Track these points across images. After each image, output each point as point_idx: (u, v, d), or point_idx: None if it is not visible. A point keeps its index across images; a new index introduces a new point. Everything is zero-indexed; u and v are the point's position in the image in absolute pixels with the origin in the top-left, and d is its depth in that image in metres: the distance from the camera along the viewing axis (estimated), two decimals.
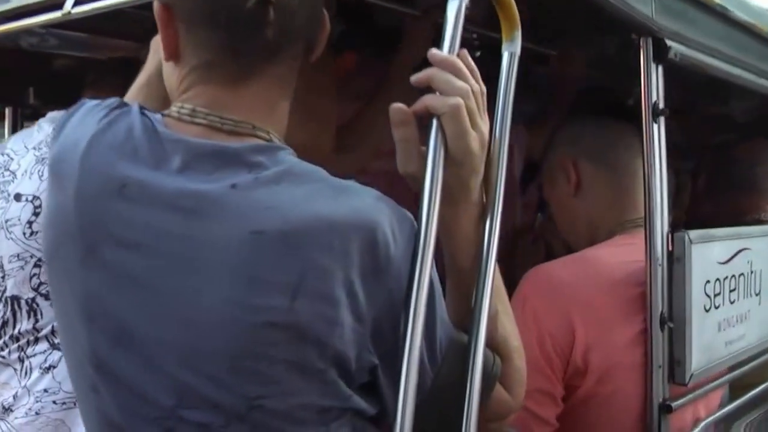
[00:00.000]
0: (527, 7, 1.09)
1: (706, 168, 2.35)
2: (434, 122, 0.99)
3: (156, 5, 1.03)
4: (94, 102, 1.06)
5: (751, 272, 1.73)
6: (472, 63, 1.03)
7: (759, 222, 2.19)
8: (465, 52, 1.03)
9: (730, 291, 1.64)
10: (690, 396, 1.50)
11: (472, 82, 1.01)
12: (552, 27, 1.79)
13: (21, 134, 1.97)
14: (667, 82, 1.47)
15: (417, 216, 0.98)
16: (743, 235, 1.70)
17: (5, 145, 1.93)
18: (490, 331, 1.05)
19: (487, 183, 1.07)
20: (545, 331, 1.46)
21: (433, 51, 1.00)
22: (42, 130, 1.87)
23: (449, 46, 1.00)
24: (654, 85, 1.43)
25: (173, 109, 1.03)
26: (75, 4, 1.45)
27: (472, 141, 0.99)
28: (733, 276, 1.65)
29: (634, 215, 1.56)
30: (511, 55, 1.09)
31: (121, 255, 0.96)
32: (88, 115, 1.04)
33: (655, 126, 1.44)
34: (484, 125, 1.02)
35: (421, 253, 0.97)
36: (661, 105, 1.44)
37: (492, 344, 1.07)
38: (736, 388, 1.85)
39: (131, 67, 1.30)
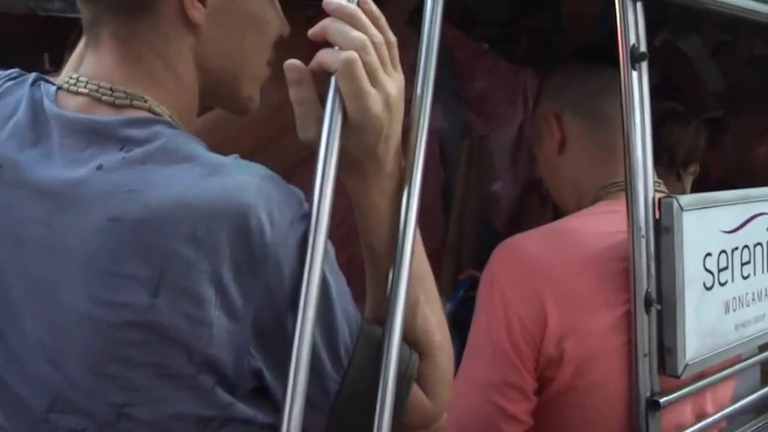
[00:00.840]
0: None
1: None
2: (331, 81, 0.84)
3: None
4: None
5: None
6: (376, 10, 0.87)
7: None
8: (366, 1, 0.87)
9: (743, 264, 1.40)
10: (686, 390, 1.28)
11: (373, 32, 0.85)
12: None
13: None
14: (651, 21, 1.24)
15: None
16: (761, 197, 1.46)
17: None
18: (408, 323, 0.89)
19: (406, 150, 0.91)
20: (514, 315, 1.26)
21: (329, 0, 0.85)
22: None
23: None
24: (632, 26, 1.21)
25: (65, 78, 0.91)
26: None
27: (371, 102, 0.84)
28: (746, 247, 1.41)
29: (620, 178, 1.33)
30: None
31: None
32: None
33: (635, 73, 1.21)
34: (391, 82, 0.86)
35: (313, 237, 0.82)
36: (642, 48, 1.22)
37: (410, 339, 0.91)
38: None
39: None
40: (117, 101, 0.86)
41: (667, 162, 1.60)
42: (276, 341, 0.81)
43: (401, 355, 0.88)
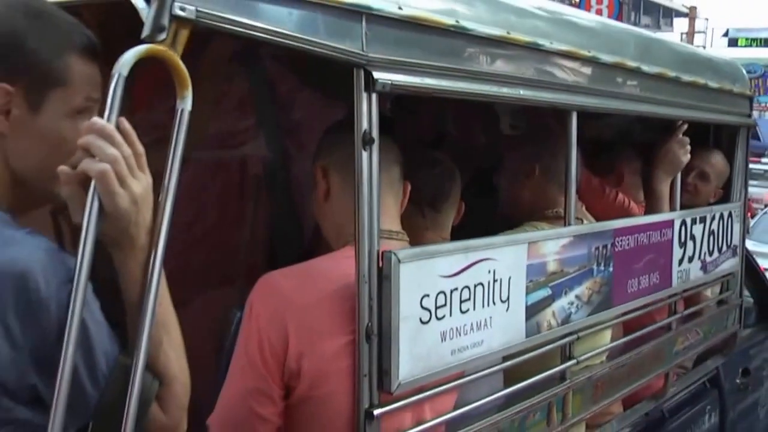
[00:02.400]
0: None
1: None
2: (92, 182, 1.13)
3: None
4: None
5: (494, 281, 1.83)
6: (129, 128, 1.16)
7: (557, 216, 2.29)
8: (123, 119, 1.16)
9: (462, 301, 1.74)
10: (399, 404, 1.62)
11: (124, 148, 1.14)
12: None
13: None
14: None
15: None
16: (479, 246, 1.80)
17: None
18: (152, 358, 1.19)
19: (153, 230, 1.20)
20: (264, 336, 1.58)
21: (93, 120, 1.15)
22: None
23: (109, 114, 1.14)
24: (365, 114, 1.52)
25: None
26: None
27: (120, 199, 1.14)
28: (467, 287, 1.75)
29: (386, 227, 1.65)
30: (182, 111, 1.20)
31: None
32: None
33: (365, 154, 1.52)
34: (138, 183, 1.16)
35: (75, 292, 1.11)
36: (374, 132, 1.53)
37: (154, 370, 1.21)
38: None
39: None
40: None
41: (413, 200, 1.90)
42: (48, 365, 1.11)
43: (144, 380, 1.18)
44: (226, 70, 2.32)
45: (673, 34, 28.98)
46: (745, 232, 3.47)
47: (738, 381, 3.67)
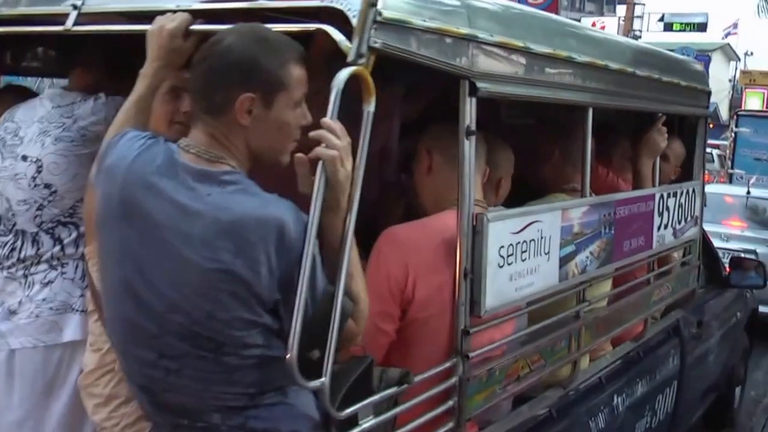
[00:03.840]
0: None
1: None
2: (320, 164, 1.68)
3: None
4: (135, 132, 1.80)
5: (541, 238, 2.44)
6: (341, 126, 1.71)
7: (573, 189, 2.90)
8: (337, 121, 1.70)
9: (522, 252, 2.34)
10: (484, 325, 2.21)
11: (344, 139, 1.70)
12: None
13: (25, 107, 2.52)
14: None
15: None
16: (534, 211, 2.41)
17: (14, 114, 2.48)
18: (347, 286, 1.73)
19: (349, 199, 1.74)
20: (390, 272, 2.16)
21: (324, 120, 1.69)
22: (43, 106, 2.46)
23: (332, 115, 1.68)
24: (468, 113, 2.09)
25: (181, 143, 1.75)
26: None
27: (340, 176, 1.69)
28: (524, 241, 2.35)
29: None
30: (368, 114, 1.74)
31: (142, 224, 1.68)
32: (132, 140, 1.76)
33: (467, 142, 2.09)
34: (348, 165, 1.71)
35: (309, 240, 1.66)
36: (473, 127, 2.10)
37: (349, 295, 1.75)
38: (533, 321, 2.58)
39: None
40: (210, 159, 1.68)
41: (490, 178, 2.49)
42: (288, 287, 1.65)
43: (343, 303, 1.72)
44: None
45: (615, 19, 30.06)
46: (703, 205, 4.15)
47: (694, 331, 4.36)
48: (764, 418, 5.83)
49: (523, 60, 2.32)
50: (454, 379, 2.15)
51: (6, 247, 2.45)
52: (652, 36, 28.53)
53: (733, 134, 13.16)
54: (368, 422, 1.84)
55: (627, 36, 19.33)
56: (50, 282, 2.42)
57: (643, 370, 3.61)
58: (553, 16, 2.58)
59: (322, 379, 1.66)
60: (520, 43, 2.28)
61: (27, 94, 2.83)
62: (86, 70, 2.58)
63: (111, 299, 1.77)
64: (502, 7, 2.35)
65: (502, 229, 2.24)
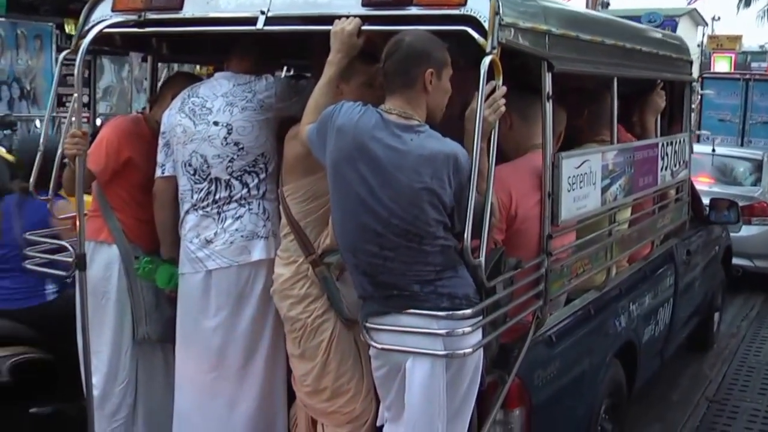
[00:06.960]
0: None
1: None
2: (478, 117, 2.60)
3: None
4: (350, 103, 2.69)
5: (591, 172, 3.39)
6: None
7: (602, 140, 3.87)
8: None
9: (580, 182, 3.29)
10: (560, 231, 3.17)
11: (500, 102, 2.64)
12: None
13: (205, 85, 3.39)
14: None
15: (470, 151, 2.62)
16: (587, 152, 3.37)
17: (197, 91, 3.35)
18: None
19: (489, 142, 2.69)
20: (499, 197, 3.08)
21: (495, 92, 2.64)
22: (221, 85, 3.31)
23: (491, 87, 2.61)
24: (546, 84, 3.02)
25: (383, 107, 2.66)
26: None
27: (491, 127, 2.64)
28: (582, 174, 3.30)
29: (539, 142, 3.18)
30: (498, 85, 2.67)
31: (371, 162, 2.59)
32: (350, 108, 2.66)
33: (548, 104, 3.04)
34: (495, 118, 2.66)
35: (475, 167, 2.58)
36: (550, 93, 3.04)
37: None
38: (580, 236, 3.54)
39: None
40: (406, 116, 2.63)
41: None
42: (459, 198, 2.61)
43: (492, 205, 2.66)
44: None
45: None
46: (691, 152, 5.14)
47: (684, 258, 5.35)
48: (736, 345, 6.91)
49: (576, 45, 3.27)
50: (542, 270, 3.10)
51: (202, 192, 3.26)
52: (620, 2, 29.19)
53: (699, 96, 13.48)
54: (502, 293, 2.79)
55: (596, 3, 20.37)
56: (240, 216, 3.24)
57: (650, 285, 4.59)
58: (593, 12, 3.53)
59: (480, 258, 2.60)
60: (573, 34, 3.23)
61: (193, 78, 3.71)
62: (241, 58, 3.40)
63: (349, 213, 2.66)
64: (560, 9, 3.30)
65: (569, 164, 3.19)
